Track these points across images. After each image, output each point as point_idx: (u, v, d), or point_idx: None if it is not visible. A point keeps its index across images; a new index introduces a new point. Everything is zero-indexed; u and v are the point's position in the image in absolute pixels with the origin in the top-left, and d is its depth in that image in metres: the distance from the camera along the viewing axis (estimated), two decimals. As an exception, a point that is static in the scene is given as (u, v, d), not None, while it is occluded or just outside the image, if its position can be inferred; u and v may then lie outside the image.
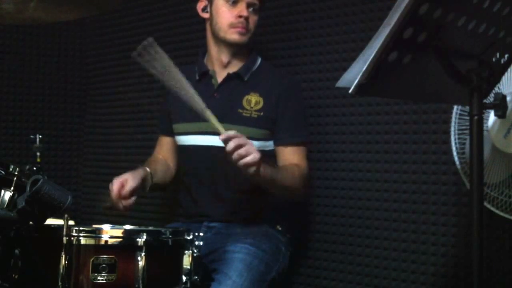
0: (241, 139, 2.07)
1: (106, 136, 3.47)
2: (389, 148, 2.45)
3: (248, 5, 2.39)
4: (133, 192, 2.25)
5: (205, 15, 2.48)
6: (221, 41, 2.43)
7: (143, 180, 2.34)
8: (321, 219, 2.62)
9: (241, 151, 2.06)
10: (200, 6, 2.49)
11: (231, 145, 2.06)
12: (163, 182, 2.54)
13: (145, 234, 1.85)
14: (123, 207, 2.23)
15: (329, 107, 2.61)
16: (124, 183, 2.24)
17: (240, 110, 2.41)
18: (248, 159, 2.06)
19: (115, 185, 2.23)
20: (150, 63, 2.17)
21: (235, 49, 2.44)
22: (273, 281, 2.32)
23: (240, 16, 2.37)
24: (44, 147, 2.52)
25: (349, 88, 1.37)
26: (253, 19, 2.41)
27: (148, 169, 2.41)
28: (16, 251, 1.81)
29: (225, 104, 2.43)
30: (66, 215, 1.80)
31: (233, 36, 2.39)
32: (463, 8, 1.40)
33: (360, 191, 2.52)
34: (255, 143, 2.40)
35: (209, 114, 2.14)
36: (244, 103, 2.41)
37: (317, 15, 2.66)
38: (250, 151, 2.07)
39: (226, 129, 2.11)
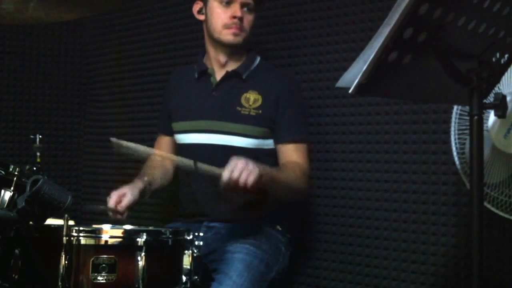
0: (236, 172, 2.03)
1: (106, 136, 3.45)
2: (389, 148, 2.45)
3: (242, 5, 2.39)
4: (129, 208, 2.25)
5: (201, 17, 2.49)
6: (217, 42, 2.43)
7: (141, 193, 2.34)
8: (321, 219, 2.62)
9: (243, 177, 2.03)
10: (195, 8, 2.50)
11: (233, 183, 2.03)
12: (161, 187, 2.55)
13: (145, 234, 1.85)
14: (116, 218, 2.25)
15: (329, 107, 2.61)
16: (122, 197, 2.25)
17: (239, 108, 2.41)
18: (251, 178, 2.04)
19: (113, 199, 2.24)
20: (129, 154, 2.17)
21: (232, 50, 2.45)
22: (273, 281, 2.32)
23: (234, 17, 2.37)
24: (44, 147, 2.51)
25: (349, 88, 1.37)
26: (248, 18, 2.41)
27: (146, 179, 2.41)
28: (16, 251, 1.80)
29: (224, 102, 2.44)
30: (66, 215, 1.80)
31: (227, 37, 2.40)
32: (463, 8, 1.40)
33: (360, 191, 2.52)
34: (254, 141, 2.41)
35: (201, 165, 2.11)
36: (243, 101, 2.41)
37: (317, 15, 2.66)
38: (249, 171, 2.04)
39: (222, 169, 2.06)
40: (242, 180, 2.02)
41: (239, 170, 2.03)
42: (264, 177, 2.09)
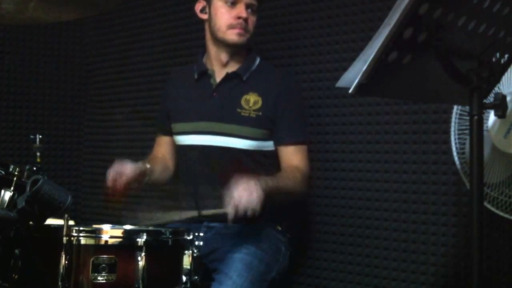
0: (240, 206, 2.05)
1: (106, 136, 3.47)
2: (389, 148, 2.45)
3: (247, 6, 2.39)
4: (129, 179, 2.27)
5: (204, 16, 2.48)
6: (220, 42, 2.43)
7: (141, 173, 2.35)
8: (321, 219, 2.62)
9: (250, 207, 2.05)
10: (198, 7, 2.49)
11: (239, 211, 2.05)
12: (161, 180, 2.55)
13: (145, 234, 1.85)
14: (114, 189, 2.25)
15: (329, 107, 2.61)
16: (123, 168, 2.27)
17: (239, 110, 2.41)
18: (257, 203, 2.06)
19: (114, 167, 2.26)
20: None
21: (234, 50, 2.44)
22: (273, 281, 2.32)
23: (239, 17, 2.37)
24: (44, 147, 2.51)
25: (349, 88, 1.37)
26: (252, 19, 2.41)
27: (148, 165, 2.42)
28: (16, 251, 1.80)
29: (224, 103, 2.44)
30: (66, 215, 1.80)
31: (232, 37, 2.39)
32: (463, 8, 1.40)
33: (360, 191, 2.52)
34: (253, 143, 2.41)
35: (205, 212, 2.15)
36: (243, 102, 2.41)
37: (317, 15, 2.66)
38: (252, 196, 2.06)
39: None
40: (249, 210, 2.05)
41: (243, 203, 2.05)
42: (267, 191, 2.11)
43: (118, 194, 2.25)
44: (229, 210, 2.05)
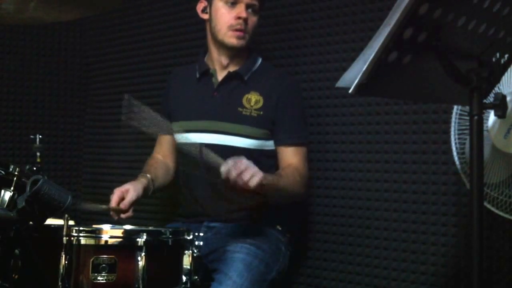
0: (242, 165, 2.03)
1: (106, 136, 3.46)
2: (389, 148, 2.45)
3: (247, 6, 2.39)
4: (133, 204, 2.25)
5: (205, 16, 2.48)
6: (220, 44, 2.43)
7: (145, 189, 2.34)
8: (321, 219, 2.62)
9: (246, 175, 2.02)
10: (200, 7, 2.49)
11: (233, 174, 2.02)
12: (163, 184, 2.54)
13: (145, 234, 1.85)
14: (121, 217, 2.23)
15: (329, 107, 2.61)
16: (125, 194, 2.24)
17: (240, 109, 2.41)
18: (254, 179, 2.03)
19: (115, 195, 2.23)
20: (138, 121, 2.17)
21: (234, 52, 2.44)
22: (273, 281, 2.32)
23: (239, 18, 2.37)
24: (44, 147, 2.52)
25: (349, 88, 1.37)
26: (252, 20, 2.41)
27: (149, 176, 2.41)
28: (16, 251, 1.81)
29: (225, 102, 2.44)
30: (66, 215, 1.80)
31: (231, 40, 2.39)
32: (463, 8, 1.40)
33: (360, 191, 2.52)
34: (254, 142, 2.41)
35: (206, 152, 2.11)
36: (244, 101, 2.41)
37: (317, 15, 2.66)
38: (253, 172, 2.04)
39: (223, 160, 2.06)
40: (246, 178, 2.02)
41: (245, 165, 2.03)
42: (266, 184, 2.10)
43: (123, 215, 2.24)
44: (229, 162, 2.03)
